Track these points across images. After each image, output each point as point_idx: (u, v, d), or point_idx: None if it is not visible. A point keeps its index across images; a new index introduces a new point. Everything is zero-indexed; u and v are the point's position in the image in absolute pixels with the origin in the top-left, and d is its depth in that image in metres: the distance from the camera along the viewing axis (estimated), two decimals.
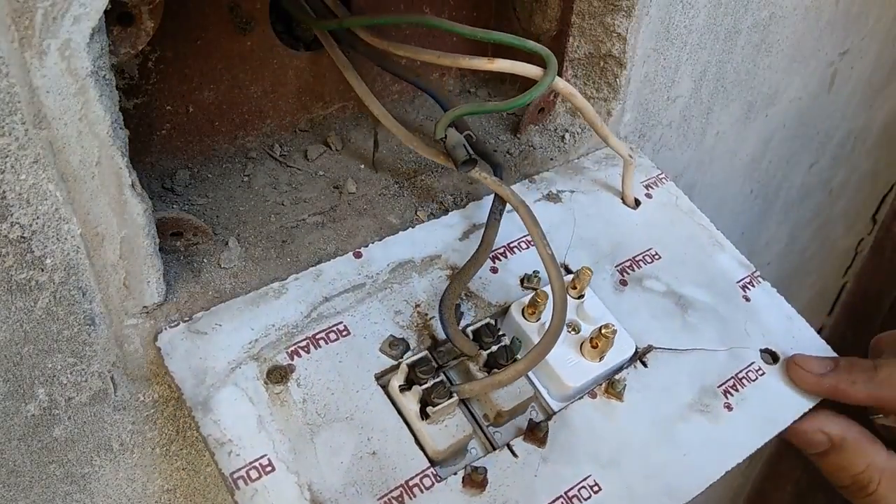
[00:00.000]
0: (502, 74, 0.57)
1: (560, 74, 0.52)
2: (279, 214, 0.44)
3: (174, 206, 0.43)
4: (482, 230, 0.43)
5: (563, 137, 0.52)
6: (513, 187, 0.47)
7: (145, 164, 0.43)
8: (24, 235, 0.30)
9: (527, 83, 0.39)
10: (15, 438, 0.35)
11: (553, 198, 0.48)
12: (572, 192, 0.49)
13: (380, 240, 0.42)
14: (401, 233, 0.43)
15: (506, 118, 0.54)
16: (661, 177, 0.52)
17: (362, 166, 0.48)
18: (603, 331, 0.40)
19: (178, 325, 0.36)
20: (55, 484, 0.39)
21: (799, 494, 1.49)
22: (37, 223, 0.30)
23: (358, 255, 0.41)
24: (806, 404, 0.43)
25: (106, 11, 0.27)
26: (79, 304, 0.33)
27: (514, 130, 0.52)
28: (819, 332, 0.48)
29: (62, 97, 0.28)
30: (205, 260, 0.40)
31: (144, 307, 0.36)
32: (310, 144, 0.48)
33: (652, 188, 0.51)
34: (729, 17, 0.55)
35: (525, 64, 0.39)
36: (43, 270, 0.31)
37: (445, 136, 0.41)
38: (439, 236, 0.44)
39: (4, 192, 0.28)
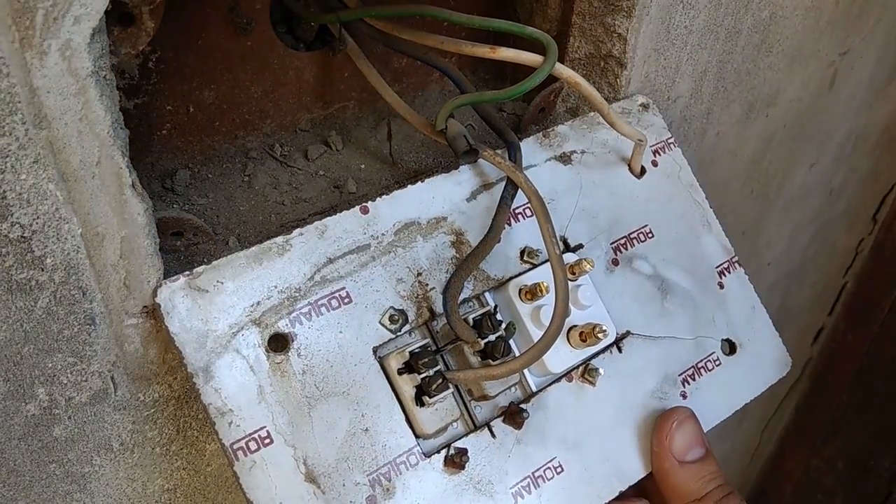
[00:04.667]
0: (504, 74, 0.57)
1: None
2: (280, 214, 0.44)
3: (174, 205, 0.43)
4: (490, 190, 0.43)
5: None
6: (526, 141, 0.46)
7: (146, 163, 0.43)
8: (25, 235, 0.30)
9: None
10: (15, 438, 0.35)
11: (564, 159, 0.47)
12: (583, 152, 0.48)
13: (388, 194, 0.41)
14: (409, 186, 0.42)
15: (506, 118, 0.54)
16: (670, 141, 0.51)
17: (363, 166, 0.48)
18: (596, 331, 0.41)
19: (178, 279, 0.35)
20: (55, 483, 0.39)
21: (799, 494, 1.49)
22: (37, 223, 0.30)
23: (365, 211, 0.40)
24: (749, 397, 0.45)
25: (106, 12, 0.27)
26: (79, 303, 0.33)
27: (515, 131, 0.52)
28: (819, 331, 0.49)
29: (63, 97, 0.28)
30: (205, 260, 0.40)
31: (145, 307, 0.36)
32: (310, 144, 0.49)
33: (659, 154, 0.50)
34: (729, 18, 0.55)
35: (528, 53, 0.38)
36: (43, 270, 0.31)
37: (446, 126, 0.40)
38: (447, 195, 0.42)
39: (5, 191, 0.28)
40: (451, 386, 0.37)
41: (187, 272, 0.36)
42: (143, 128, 0.42)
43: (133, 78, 0.40)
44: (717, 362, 0.45)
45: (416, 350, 0.38)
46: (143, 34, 0.32)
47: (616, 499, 0.42)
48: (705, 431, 0.43)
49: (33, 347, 0.33)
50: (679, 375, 0.44)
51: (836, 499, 1.45)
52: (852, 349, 1.21)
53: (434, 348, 0.39)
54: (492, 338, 0.39)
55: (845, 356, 1.23)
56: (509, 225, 0.43)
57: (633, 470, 0.42)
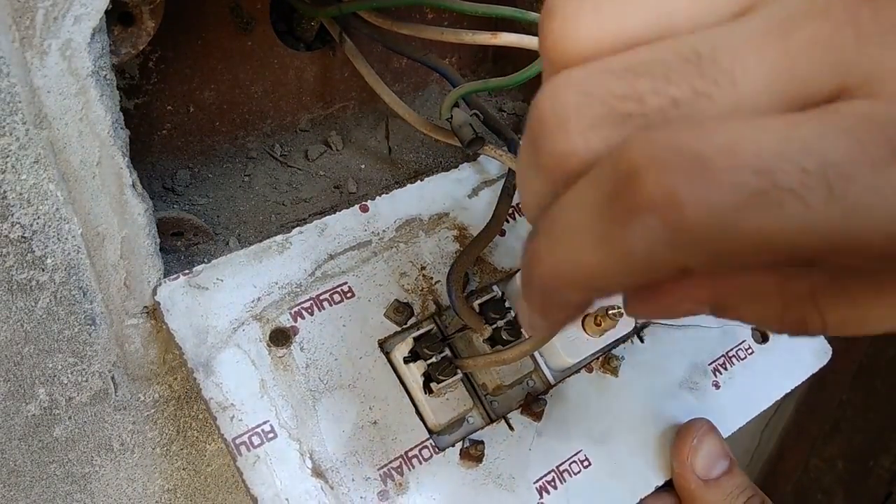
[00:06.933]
0: (506, 69, 0.57)
1: None
2: (280, 214, 0.44)
3: (175, 206, 0.43)
4: (492, 186, 0.42)
5: None
6: None
7: (146, 163, 0.43)
8: (25, 235, 0.30)
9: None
10: (15, 438, 0.35)
11: None
12: None
13: (387, 192, 0.41)
14: (409, 185, 0.42)
15: (506, 117, 0.54)
16: None
17: (363, 166, 0.48)
18: (609, 312, 0.40)
19: (177, 278, 0.35)
20: (55, 484, 0.39)
21: (799, 494, 1.49)
22: (37, 223, 0.30)
23: (364, 210, 0.40)
24: (789, 387, 0.43)
25: (107, 11, 0.27)
26: (79, 303, 0.33)
27: (516, 130, 0.52)
28: None
29: (63, 97, 0.28)
30: (205, 260, 0.40)
31: (145, 307, 0.36)
32: (310, 144, 0.49)
33: None
34: None
35: (531, 37, 0.38)
36: (44, 270, 0.31)
37: (451, 115, 0.40)
38: (448, 192, 0.42)
39: (5, 192, 0.28)
40: (458, 372, 0.36)
41: (187, 271, 0.36)
42: (143, 128, 0.42)
43: (133, 78, 0.40)
44: (750, 351, 0.43)
45: (421, 335, 0.37)
46: (144, 34, 0.32)
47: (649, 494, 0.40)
48: (746, 422, 0.41)
49: (34, 348, 0.33)
50: (709, 365, 0.42)
51: (836, 499, 1.45)
52: (852, 349, 1.21)
53: (441, 336, 0.38)
54: (500, 323, 0.38)
55: (845, 356, 1.22)
56: (514, 219, 0.43)
57: (669, 464, 0.40)
